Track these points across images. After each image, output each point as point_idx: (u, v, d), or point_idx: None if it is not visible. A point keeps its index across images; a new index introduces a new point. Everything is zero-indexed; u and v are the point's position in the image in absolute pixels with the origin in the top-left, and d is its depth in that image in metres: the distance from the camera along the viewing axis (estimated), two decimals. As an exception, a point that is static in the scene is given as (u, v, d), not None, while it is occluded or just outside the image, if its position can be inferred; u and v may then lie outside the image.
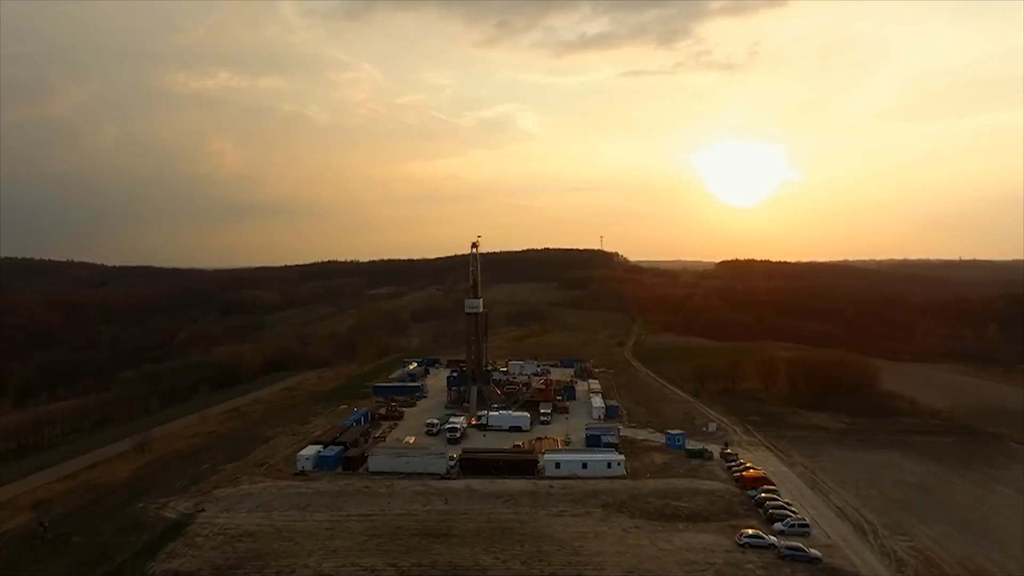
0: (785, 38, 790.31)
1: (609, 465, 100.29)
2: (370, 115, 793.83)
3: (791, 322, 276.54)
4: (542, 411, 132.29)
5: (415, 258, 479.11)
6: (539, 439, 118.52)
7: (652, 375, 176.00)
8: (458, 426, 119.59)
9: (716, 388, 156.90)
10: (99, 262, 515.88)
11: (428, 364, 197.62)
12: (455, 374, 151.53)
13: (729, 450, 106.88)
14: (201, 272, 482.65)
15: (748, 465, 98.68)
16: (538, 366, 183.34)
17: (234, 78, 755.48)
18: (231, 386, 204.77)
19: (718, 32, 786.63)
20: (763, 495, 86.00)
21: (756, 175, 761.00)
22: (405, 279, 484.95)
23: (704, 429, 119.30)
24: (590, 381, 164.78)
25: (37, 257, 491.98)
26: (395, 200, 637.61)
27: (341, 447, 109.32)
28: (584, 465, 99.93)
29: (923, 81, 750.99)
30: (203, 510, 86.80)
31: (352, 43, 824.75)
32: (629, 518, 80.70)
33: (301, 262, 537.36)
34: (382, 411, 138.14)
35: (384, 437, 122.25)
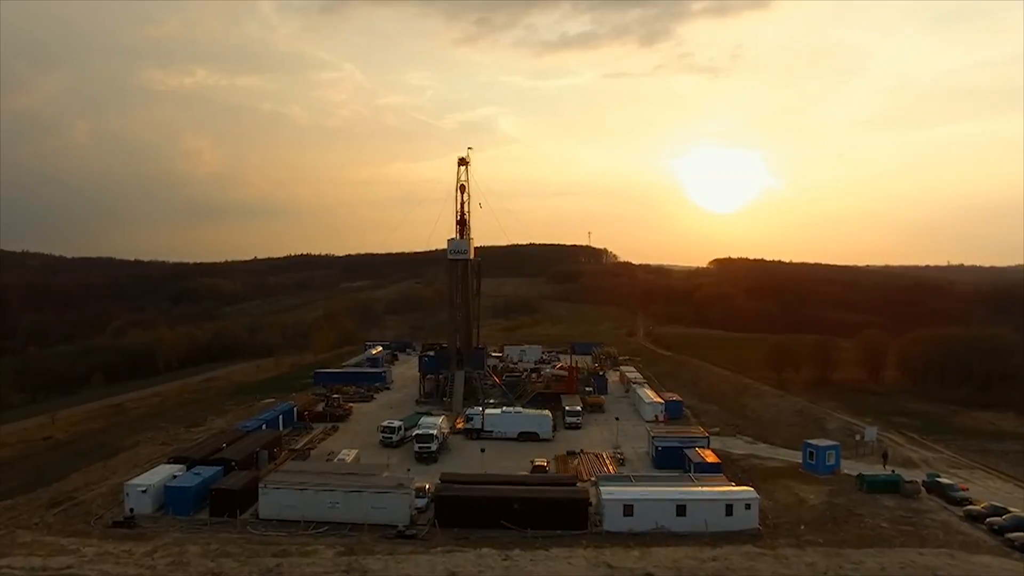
0: (767, 41, 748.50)
1: (730, 510, 47.96)
2: (351, 116, 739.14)
3: (822, 312, 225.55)
4: (568, 409, 79.44)
5: (393, 252, 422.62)
6: (571, 455, 66.12)
7: (705, 363, 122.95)
8: (434, 432, 65.88)
9: (801, 379, 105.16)
10: (58, 254, 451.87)
11: (398, 348, 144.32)
12: (430, 354, 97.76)
13: (943, 478, 54.28)
14: (162, 264, 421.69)
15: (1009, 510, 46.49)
16: (544, 352, 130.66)
17: (212, 76, 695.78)
18: (143, 376, 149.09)
19: (700, 34, 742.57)
20: None
21: (737, 181, 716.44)
22: (382, 272, 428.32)
23: (856, 438, 66.80)
24: (622, 368, 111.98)
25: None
26: (375, 202, 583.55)
27: (218, 468, 55.82)
28: (681, 509, 47.85)
29: (902, 90, 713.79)
30: None
31: (332, 41, 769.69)
32: None
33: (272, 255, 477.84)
34: (319, 408, 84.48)
35: (308, 450, 68.65)
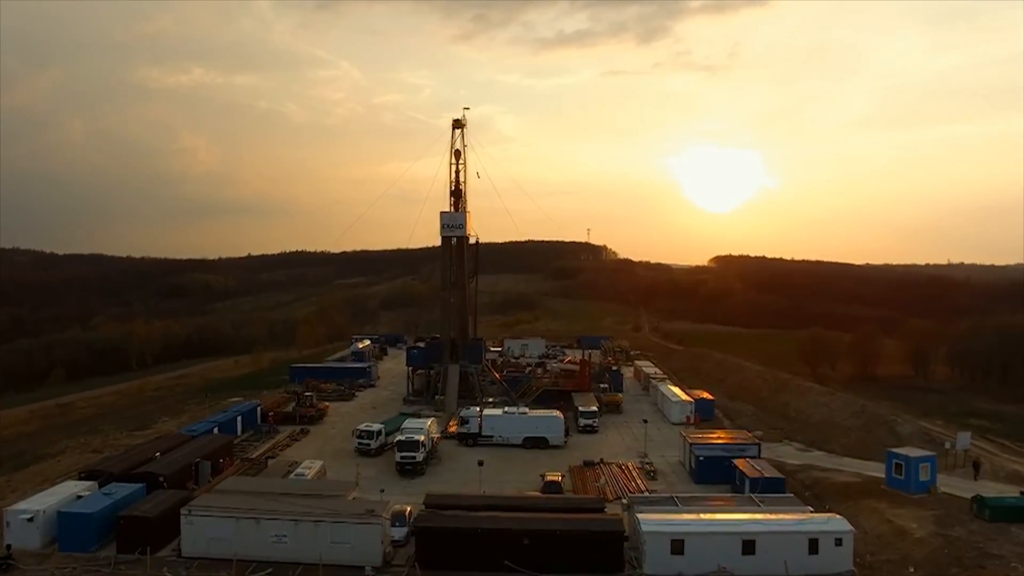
0: (765, 40, 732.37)
1: (816, 545, 34.74)
2: (348, 115, 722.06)
3: (833, 307, 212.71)
4: (582, 410, 65.92)
5: (389, 248, 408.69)
6: (589, 466, 52.67)
7: (729, 356, 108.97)
8: (419, 438, 52.18)
9: (839, 374, 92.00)
10: (49, 250, 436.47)
11: (388, 342, 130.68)
12: (420, 346, 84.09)
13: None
14: (152, 260, 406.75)
15: None
16: (548, 346, 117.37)
17: (208, 74, 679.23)
18: (112, 373, 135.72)
19: (698, 32, 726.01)
20: None
21: (735, 180, 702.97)
22: (378, 269, 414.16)
23: (945, 446, 53.36)
24: (637, 363, 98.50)
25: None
26: (371, 201, 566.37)
27: (139, 486, 42.28)
28: (749, 545, 34.55)
29: (899, 89, 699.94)
30: None
31: (329, 38, 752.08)
32: None
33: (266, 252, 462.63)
34: (288, 408, 70.85)
35: (267, 459, 55.05)
